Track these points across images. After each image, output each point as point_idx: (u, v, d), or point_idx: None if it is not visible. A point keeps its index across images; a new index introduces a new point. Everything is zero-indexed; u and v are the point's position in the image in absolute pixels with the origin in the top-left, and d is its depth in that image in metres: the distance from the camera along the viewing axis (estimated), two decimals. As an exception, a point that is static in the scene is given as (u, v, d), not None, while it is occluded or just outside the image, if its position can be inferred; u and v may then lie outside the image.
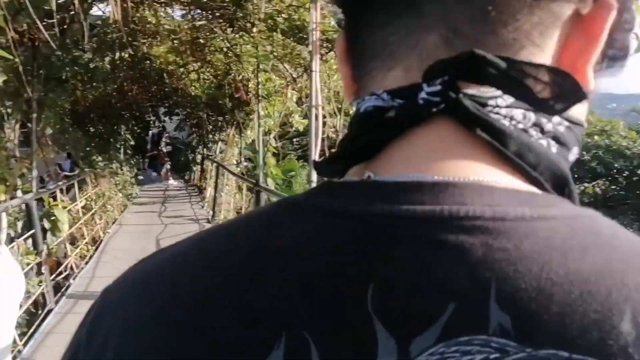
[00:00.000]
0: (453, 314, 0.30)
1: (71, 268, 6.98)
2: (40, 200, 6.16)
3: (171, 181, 17.75)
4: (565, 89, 0.36)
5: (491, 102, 0.35)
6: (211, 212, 11.38)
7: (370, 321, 0.30)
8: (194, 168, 18.42)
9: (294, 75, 6.62)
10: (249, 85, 7.80)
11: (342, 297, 0.31)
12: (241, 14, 5.34)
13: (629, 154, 19.84)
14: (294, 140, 16.54)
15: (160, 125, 19.41)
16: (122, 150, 14.05)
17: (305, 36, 5.09)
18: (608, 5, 0.36)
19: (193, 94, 10.88)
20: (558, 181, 0.37)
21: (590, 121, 24.09)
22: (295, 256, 0.34)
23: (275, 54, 5.98)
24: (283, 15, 5.15)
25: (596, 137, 20.97)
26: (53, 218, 5.79)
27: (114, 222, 10.59)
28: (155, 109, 18.22)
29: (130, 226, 10.64)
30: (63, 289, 6.28)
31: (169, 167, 18.82)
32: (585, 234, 0.33)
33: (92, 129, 11.53)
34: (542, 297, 0.30)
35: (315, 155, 4.07)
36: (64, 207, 6.22)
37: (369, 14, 0.39)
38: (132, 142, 15.42)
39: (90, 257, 7.88)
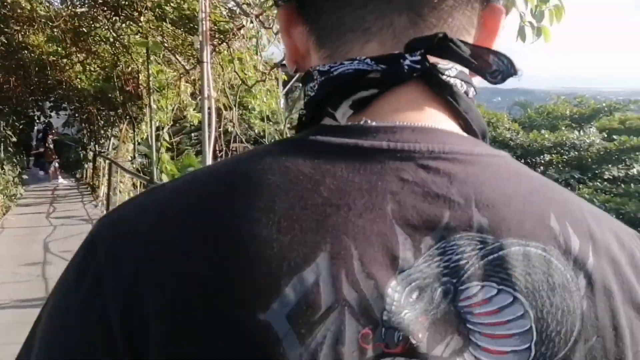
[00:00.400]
0: (449, 219, 0.43)
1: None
2: None
3: (61, 180, 16.71)
4: (502, 66, 0.48)
5: (447, 72, 0.48)
6: (105, 212, 10.85)
7: (393, 227, 0.42)
8: (86, 166, 17.45)
9: (187, 67, 6.42)
10: (140, 78, 7.45)
11: (370, 208, 0.42)
12: (126, 2, 5.07)
13: (513, 144, 21.22)
14: (192, 135, 16.13)
15: (46, 120, 18.19)
16: (1, 147, 13.02)
17: (194, 26, 4.94)
18: (498, 10, 0.52)
19: (80, 87, 10.23)
20: (483, 133, 0.51)
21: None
22: (328, 176, 0.43)
23: (165, 44, 5.75)
24: (172, 4, 4.96)
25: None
26: None
27: (-5, 226, 9.81)
28: (40, 104, 17.04)
29: (13, 229, 9.92)
30: None
31: (57, 165, 17.72)
32: (513, 167, 0.49)
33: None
34: (504, 206, 0.45)
35: (209, 148, 3.97)
36: None
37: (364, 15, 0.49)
38: (14, 139, 14.31)
39: (-33, 265, 7.23)
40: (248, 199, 0.42)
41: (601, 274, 0.45)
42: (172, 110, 7.10)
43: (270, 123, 10.86)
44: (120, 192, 11.47)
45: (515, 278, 0.43)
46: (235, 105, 5.35)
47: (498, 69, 0.48)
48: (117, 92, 8.65)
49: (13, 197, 12.60)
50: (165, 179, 7.23)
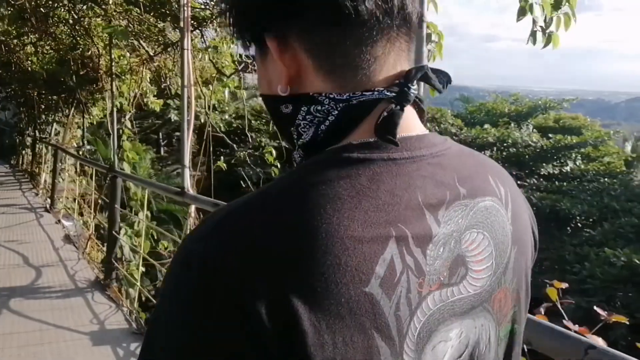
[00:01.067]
0: (449, 196, 0.65)
1: None
2: None
3: None
4: (445, 79, 0.71)
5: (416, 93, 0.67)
6: (49, 200, 10.41)
7: (423, 210, 0.62)
8: (23, 152, 16.63)
9: (151, 53, 6.25)
10: (100, 62, 7.17)
11: (410, 201, 0.61)
12: (96, -17, 4.89)
13: (456, 140, 21.80)
14: (136, 122, 15.68)
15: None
16: None
17: (166, 11, 4.83)
18: None
19: (30, 69, 9.72)
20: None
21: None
22: (381, 184, 0.61)
23: (130, 29, 5.56)
24: (143, -13, 4.82)
25: (428, 125, 22.75)
26: None
27: None
28: (-29, 86, 16.07)
29: (-51, 218, 9.35)
30: None
31: None
32: (461, 148, 0.73)
33: None
34: (470, 177, 0.68)
35: (187, 138, 3.92)
36: None
37: (359, 33, 0.62)
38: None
39: None
40: (337, 212, 0.56)
41: (516, 206, 0.74)
42: (135, 97, 6.91)
43: (217, 112, 10.76)
44: (62, 179, 11.05)
45: (485, 223, 0.68)
46: (211, 96, 5.26)
47: (444, 82, 0.72)
48: (71, 76, 8.28)
49: (-55, 185, 11.89)
50: (126, 167, 7.04)
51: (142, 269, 5.60)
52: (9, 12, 6.11)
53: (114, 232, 5.81)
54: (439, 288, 0.62)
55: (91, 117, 10.68)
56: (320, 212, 0.56)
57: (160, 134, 22.14)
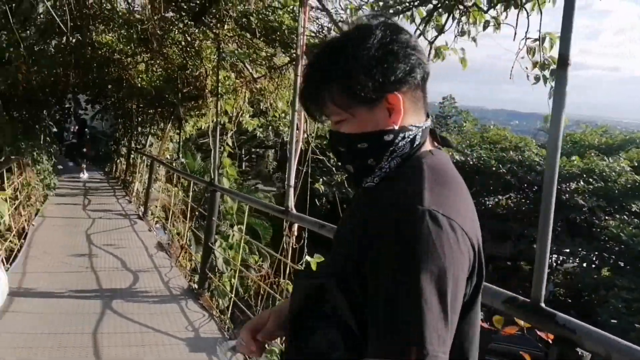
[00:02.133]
0: None
1: (2, 262, 6.49)
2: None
3: (84, 174, 16.58)
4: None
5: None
6: (142, 208, 10.99)
7: (470, 197, 1.18)
8: (117, 160, 17.63)
9: (255, 76, 6.55)
10: (206, 82, 7.60)
11: (466, 189, 1.18)
12: (214, 9, 5.22)
13: (540, 170, 21.19)
14: (221, 137, 16.30)
15: (82, 113, 18.44)
16: (42, 137, 13.22)
17: (276, 38, 5.08)
18: None
19: (139, 85, 10.42)
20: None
21: (505, 136, 25.47)
22: (458, 174, 1.20)
23: (238, 52, 5.87)
24: (259, 15, 5.09)
25: (511, 153, 22.22)
26: (-9, 209, 5.36)
27: (36, 214, 9.97)
28: (76, 96, 17.26)
29: (55, 219, 10.06)
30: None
31: (87, 159, 17.88)
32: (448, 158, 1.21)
33: (16, 114, 10.76)
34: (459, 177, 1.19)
35: (294, 158, 4.07)
36: (3, 198, 5.77)
37: (424, 91, 1.17)
38: (55, 130, 14.54)
39: (18, 251, 7.37)
40: (463, 192, 1.15)
41: None
42: (236, 116, 7.26)
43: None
44: (155, 189, 11.63)
45: None
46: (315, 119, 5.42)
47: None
48: (175, 93, 8.81)
49: (49, 187, 12.79)
50: (225, 182, 7.37)
51: (234, 280, 5.81)
52: (130, 33, 6.63)
53: (209, 243, 6.07)
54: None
55: (184, 133, 11.22)
56: (460, 191, 1.13)
57: (243, 149, 22.86)
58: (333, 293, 1.04)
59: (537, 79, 2.98)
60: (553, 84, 2.87)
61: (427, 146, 1.18)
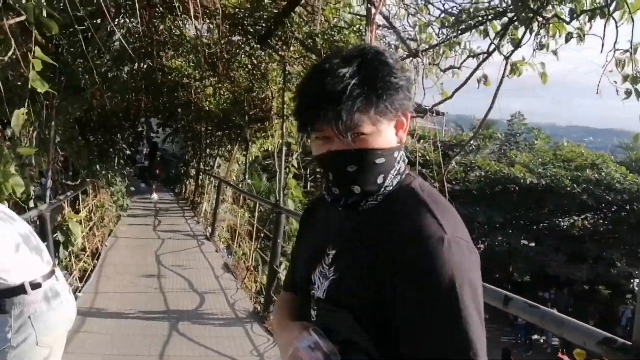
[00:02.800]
0: None
1: (75, 283, 6.69)
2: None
3: (154, 195, 17.10)
4: None
5: None
6: (210, 229, 11.14)
7: None
8: (187, 182, 18.09)
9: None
10: (272, 104, 7.64)
11: None
12: (280, 32, 5.22)
13: (620, 188, 20.02)
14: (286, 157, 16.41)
15: (154, 136, 19.10)
16: (116, 160, 13.75)
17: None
18: None
19: (207, 108, 10.67)
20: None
21: (581, 153, 24.30)
22: None
23: (304, 73, 5.85)
24: (325, 35, 5.04)
25: (588, 171, 21.11)
26: (66, 230, 5.53)
27: (109, 235, 10.30)
28: (148, 120, 17.90)
29: (127, 239, 10.37)
30: (69, 305, 5.98)
31: (156, 180, 18.44)
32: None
33: (91, 138, 11.24)
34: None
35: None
36: (76, 220, 5.96)
37: None
38: (128, 152, 15.12)
39: (91, 271, 7.60)
40: (454, 211, 1.15)
41: None
42: (302, 137, 7.19)
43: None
44: (222, 210, 11.78)
45: None
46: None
47: None
48: (242, 115, 8.93)
49: (122, 208, 13.24)
50: (290, 204, 7.34)
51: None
52: (198, 57, 6.77)
53: (274, 266, 6.01)
54: None
55: (250, 154, 11.34)
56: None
57: (308, 169, 22.95)
58: (351, 325, 1.10)
59: (628, 93, 2.71)
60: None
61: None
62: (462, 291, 1.01)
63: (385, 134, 1.13)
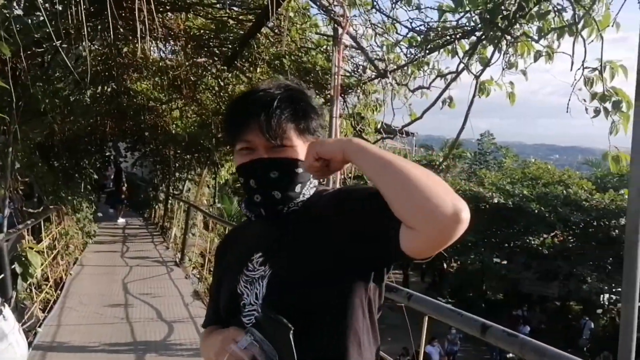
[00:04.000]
0: None
1: (36, 316, 6.38)
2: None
3: (120, 220, 16.84)
4: None
5: None
6: (179, 255, 10.88)
7: None
8: (155, 206, 17.77)
9: (290, 119, 6.37)
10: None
11: None
12: (246, 53, 5.13)
13: (587, 206, 20.32)
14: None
15: (121, 160, 18.77)
16: (82, 185, 13.41)
17: (310, 79, 4.94)
18: None
19: (174, 132, 10.47)
20: None
21: (547, 169, 24.69)
22: None
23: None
24: (292, 57, 4.97)
25: (558, 187, 21.42)
26: (24, 261, 5.28)
27: (74, 263, 9.96)
28: (116, 144, 17.60)
29: (93, 267, 10.05)
30: (28, 340, 5.70)
31: (125, 204, 18.12)
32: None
33: (56, 163, 10.92)
34: None
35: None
36: (35, 250, 5.69)
37: None
38: (96, 177, 14.77)
39: (54, 302, 7.29)
40: None
41: None
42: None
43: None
44: (193, 235, 11.55)
45: None
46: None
47: None
48: (210, 138, 8.77)
49: (89, 234, 12.88)
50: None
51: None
52: (162, 80, 6.63)
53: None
54: None
55: (220, 177, 11.16)
56: None
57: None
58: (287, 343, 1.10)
59: (597, 111, 2.68)
60: (615, 117, 2.58)
61: None
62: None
63: (304, 150, 1.26)
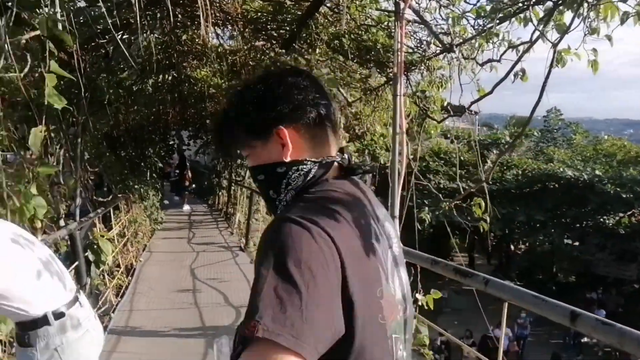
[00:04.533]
0: (381, 216, 1.27)
1: (110, 301, 6.60)
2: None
3: (186, 207, 17.26)
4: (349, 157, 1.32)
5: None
6: (244, 240, 11.01)
7: (375, 214, 1.25)
8: (219, 193, 18.09)
9: (349, 100, 6.27)
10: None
11: (367, 206, 1.26)
12: (304, 34, 5.02)
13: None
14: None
15: (184, 148, 19.18)
16: (148, 173, 13.78)
17: (371, 58, 4.78)
18: None
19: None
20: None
21: (624, 146, 23.36)
22: None
23: (329, 77, 5.63)
24: (352, 35, 4.82)
25: (631, 169, 20.20)
26: (97, 249, 5.43)
27: (143, 249, 10.26)
28: (179, 132, 17.98)
29: (161, 253, 10.32)
30: (103, 325, 5.89)
31: (189, 191, 18.51)
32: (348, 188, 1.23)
33: (122, 153, 11.24)
34: (377, 204, 1.31)
35: (398, 185, 3.69)
36: (106, 237, 5.86)
37: (325, 130, 1.27)
38: (160, 165, 15.16)
39: (126, 287, 7.52)
40: (343, 215, 1.13)
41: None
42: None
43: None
44: (256, 220, 11.64)
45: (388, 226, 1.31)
46: (419, 140, 5.05)
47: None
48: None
49: (156, 221, 13.24)
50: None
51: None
52: (222, 66, 6.63)
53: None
54: (390, 246, 1.21)
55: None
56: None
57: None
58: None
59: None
60: None
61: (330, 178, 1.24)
62: (265, 263, 0.98)
63: (260, 152, 1.21)
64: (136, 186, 11.14)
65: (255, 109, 1.18)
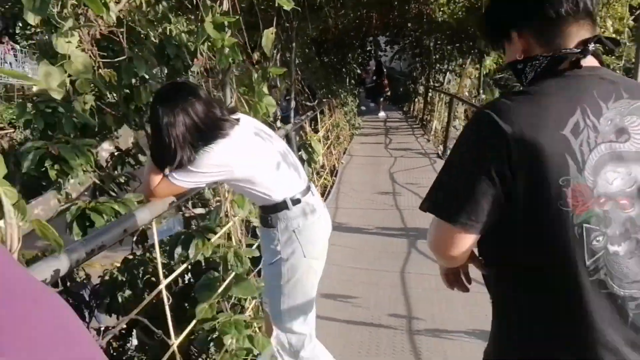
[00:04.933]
0: (615, 96, 1.18)
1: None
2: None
3: (381, 113, 17.41)
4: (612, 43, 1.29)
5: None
6: (441, 147, 10.88)
7: (597, 99, 1.19)
8: (415, 99, 17.92)
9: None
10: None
11: (591, 93, 1.20)
12: None
13: None
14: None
15: (380, 55, 19.09)
16: (347, 79, 14.08)
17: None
18: None
19: (440, 19, 10.11)
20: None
21: None
22: None
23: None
24: None
25: None
26: (309, 148, 5.78)
27: (344, 153, 10.71)
28: (376, 38, 17.87)
29: (360, 157, 10.68)
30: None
31: (384, 98, 18.59)
32: (625, 77, 1.45)
33: (325, 59, 11.58)
34: (633, 88, 1.22)
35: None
36: (317, 139, 6.20)
37: (558, 24, 1.27)
38: (358, 72, 15.39)
39: (331, 187, 7.98)
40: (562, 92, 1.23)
41: None
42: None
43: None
44: (454, 127, 11.36)
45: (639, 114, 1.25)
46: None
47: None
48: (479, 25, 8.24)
49: (355, 127, 13.64)
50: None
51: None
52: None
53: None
54: (610, 141, 1.13)
55: (484, 67, 10.55)
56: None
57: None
58: None
59: None
60: None
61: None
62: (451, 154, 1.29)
63: (508, 50, 1.35)
64: (339, 91, 11.48)
65: (494, 15, 1.36)
